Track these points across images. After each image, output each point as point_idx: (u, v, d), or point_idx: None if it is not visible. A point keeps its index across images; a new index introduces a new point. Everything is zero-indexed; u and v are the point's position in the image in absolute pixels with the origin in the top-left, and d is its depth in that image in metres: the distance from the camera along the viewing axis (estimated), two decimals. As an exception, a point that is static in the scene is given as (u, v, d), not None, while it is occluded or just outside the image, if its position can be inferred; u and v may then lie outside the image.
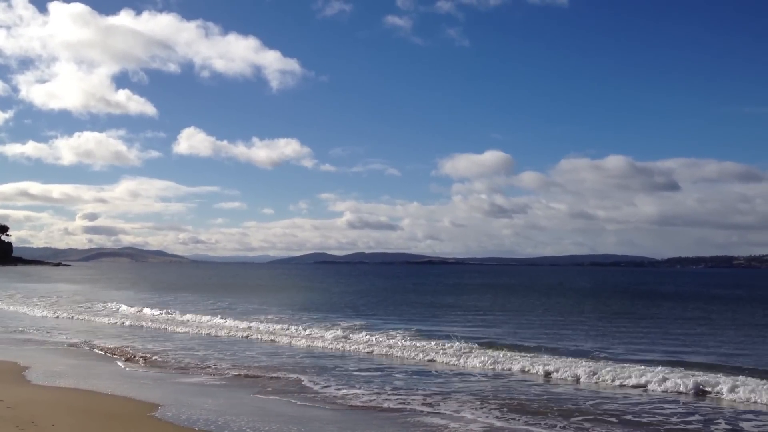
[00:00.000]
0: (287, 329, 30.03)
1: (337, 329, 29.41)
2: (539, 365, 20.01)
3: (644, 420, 14.09)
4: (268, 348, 25.47)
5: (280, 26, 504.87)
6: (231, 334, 29.70)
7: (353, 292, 69.74)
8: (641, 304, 52.40)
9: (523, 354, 22.35)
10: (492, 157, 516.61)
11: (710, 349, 25.27)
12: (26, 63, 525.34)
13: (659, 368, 18.81)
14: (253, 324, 32.10)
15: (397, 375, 19.53)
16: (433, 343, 24.87)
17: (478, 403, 15.47)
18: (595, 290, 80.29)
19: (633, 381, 17.85)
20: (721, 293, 73.98)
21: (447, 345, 24.16)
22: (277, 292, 68.31)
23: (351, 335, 27.52)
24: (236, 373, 19.48)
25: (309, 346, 25.82)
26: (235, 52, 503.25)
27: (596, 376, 18.53)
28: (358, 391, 16.87)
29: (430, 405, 15.27)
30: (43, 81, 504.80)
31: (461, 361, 21.70)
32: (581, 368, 19.16)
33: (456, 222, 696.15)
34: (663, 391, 16.99)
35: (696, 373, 18.35)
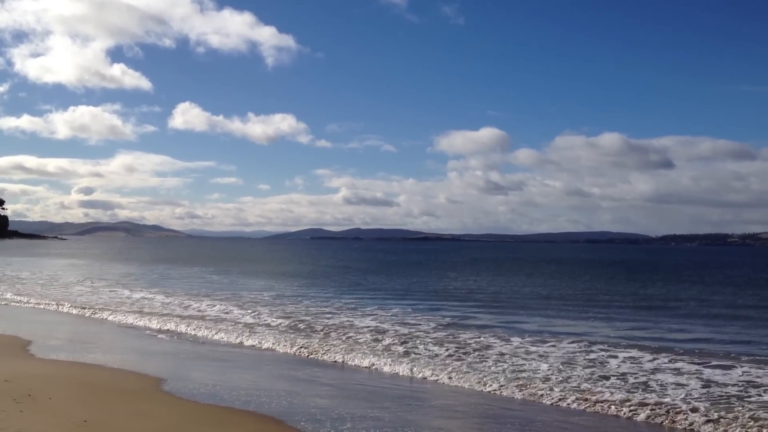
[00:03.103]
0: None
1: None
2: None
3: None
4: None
5: (276, 2, 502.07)
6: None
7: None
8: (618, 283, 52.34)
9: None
10: (487, 134, 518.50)
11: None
12: (20, 36, 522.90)
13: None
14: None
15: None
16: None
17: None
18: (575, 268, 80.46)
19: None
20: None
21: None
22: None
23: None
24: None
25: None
26: (231, 28, 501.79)
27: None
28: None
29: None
30: (37, 55, 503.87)
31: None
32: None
33: (452, 198, 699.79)
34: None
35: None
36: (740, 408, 12.60)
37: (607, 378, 15.14)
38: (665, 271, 70.91)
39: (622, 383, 14.68)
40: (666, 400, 13.25)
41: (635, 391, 13.97)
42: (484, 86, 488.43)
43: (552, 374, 15.49)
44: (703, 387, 14.38)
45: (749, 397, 13.63)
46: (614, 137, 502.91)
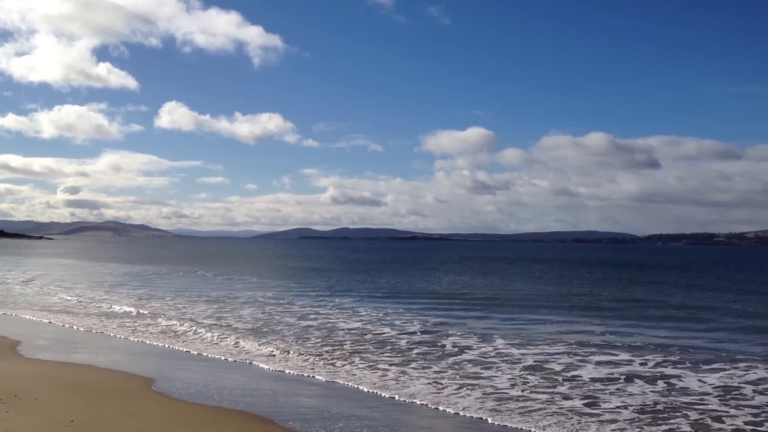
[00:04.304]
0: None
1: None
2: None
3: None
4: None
5: (263, 1, 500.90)
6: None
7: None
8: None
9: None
10: (474, 133, 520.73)
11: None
12: (5, 35, 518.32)
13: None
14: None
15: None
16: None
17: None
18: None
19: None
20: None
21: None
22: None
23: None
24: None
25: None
26: (217, 28, 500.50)
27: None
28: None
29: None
30: (22, 53, 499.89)
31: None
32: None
33: (439, 198, 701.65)
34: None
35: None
36: (675, 420, 11.95)
37: (564, 384, 14.62)
38: (653, 271, 71.23)
39: (571, 392, 13.96)
40: (596, 410, 12.55)
41: (575, 398, 13.42)
42: (471, 86, 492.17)
43: (502, 381, 14.87)
44: (663, 395, 13.78)
45: (701, 405, 12.95)
46: (600, 137, 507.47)
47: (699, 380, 15.14)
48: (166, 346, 19.41)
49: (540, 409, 12.63)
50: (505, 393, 13.85)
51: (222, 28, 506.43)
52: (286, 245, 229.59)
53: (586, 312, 29.08)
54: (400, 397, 13.54)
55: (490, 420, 11.99)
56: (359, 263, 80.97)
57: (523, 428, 11.56)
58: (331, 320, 24.86)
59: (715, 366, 16.77)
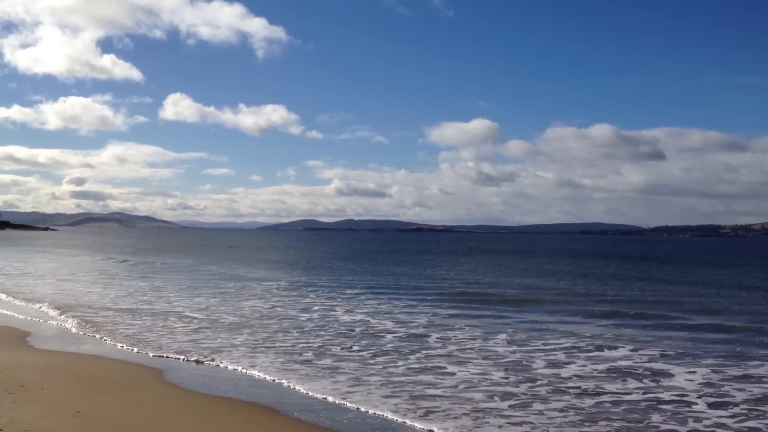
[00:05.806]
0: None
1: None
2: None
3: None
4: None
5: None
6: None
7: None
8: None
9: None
10: (479, 125, 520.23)
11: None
12: (9, 27, 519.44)
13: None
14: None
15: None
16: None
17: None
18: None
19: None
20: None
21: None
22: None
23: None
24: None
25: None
26: (221, 20, 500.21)
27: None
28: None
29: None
30: (27, 45, 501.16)
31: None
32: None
33: (444, 190, 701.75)
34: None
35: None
36: (608, 423, 11.08)
37: (528, 382, 13.83)
38: (660, 265, 70.88)
39: (521, 391, 13.10)
40: (520, 412, 11.59)
41: (511, 398, 12.53)
42: (475, 78, 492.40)
43: (453, 379, 14.04)
44: (642, 394, 13.00)
45: (666, 406, 12.14)
46: (605, 129, 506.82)
47: (686, 379, 14.26)
48: (174, 341, 19.46)
49: (450, 409, 11.73)
50: (429, 392, 12.95)
51: (226, 19, 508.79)
52: (292, 237, 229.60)
53: (596, 308, 27.86)
54: (303, 389, 13.04)
55: (369, 411, 11.62)
56: (367, 255, 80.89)
57: (404, 422, 11.06)
58: (332, 313, 24.56)
59: (709, 366, 15.72)
